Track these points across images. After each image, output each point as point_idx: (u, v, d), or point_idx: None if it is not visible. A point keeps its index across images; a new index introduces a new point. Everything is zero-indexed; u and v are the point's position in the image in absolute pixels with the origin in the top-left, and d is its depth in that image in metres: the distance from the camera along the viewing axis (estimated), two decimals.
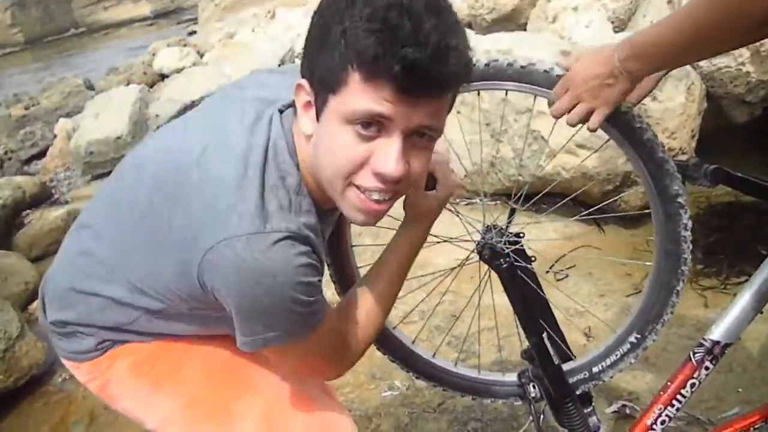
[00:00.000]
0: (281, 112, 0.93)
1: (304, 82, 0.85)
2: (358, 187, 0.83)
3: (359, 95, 0.77)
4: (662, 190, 1.06)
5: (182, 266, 0.86)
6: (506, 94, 1.13)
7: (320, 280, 0.90)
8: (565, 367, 1.26)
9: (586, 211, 1.33)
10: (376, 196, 0.83)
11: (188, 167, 0.88)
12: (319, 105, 0.83)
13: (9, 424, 2.30)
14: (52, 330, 1.06)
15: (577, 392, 1.24)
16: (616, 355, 1.20)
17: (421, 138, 0.82)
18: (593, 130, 1.04)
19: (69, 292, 1.01)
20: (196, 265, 0.84)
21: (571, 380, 1.24)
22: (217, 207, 0.83)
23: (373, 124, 0.79)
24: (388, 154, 0.79)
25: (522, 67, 1.05)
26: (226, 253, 0.81)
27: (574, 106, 1.03)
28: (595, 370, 1.23)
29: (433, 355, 1.34)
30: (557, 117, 1.05)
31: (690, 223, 1.08)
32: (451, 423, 1.86)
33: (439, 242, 1.21)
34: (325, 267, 1.03)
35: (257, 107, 0.94)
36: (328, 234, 1.07)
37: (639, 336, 1.16)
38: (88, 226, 1.03)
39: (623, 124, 1.04)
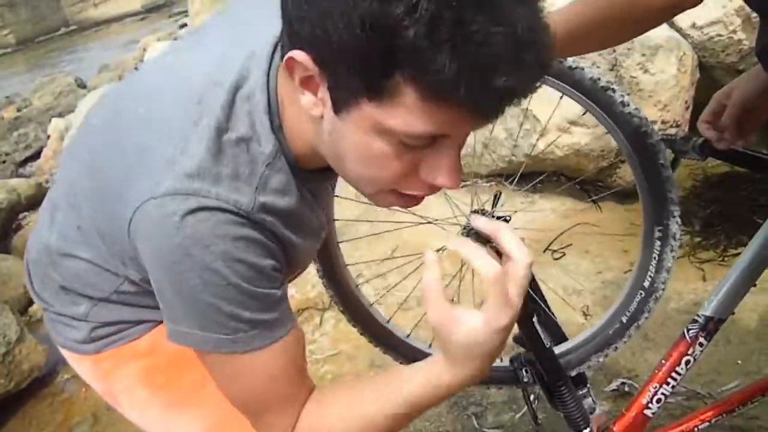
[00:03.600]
0: (275, 49, 0.72)
1: (302, 57, 0.61)
2: (397, 191, 0.71)
3: (416, 117, 0.59)
4: (632, 136, 1.06)
5: (117, 220, 0.73)
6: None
7: (279, 272, 0.73)
8: (588, 332, 1.25)
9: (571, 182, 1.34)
10: (419, 196, 0.72)
11: (137, 101, 0.77)
12: (341, 98, 0.62)
13: (12, 427, 2.30)
14: (46, 310, 0.94)
15: (572, 374, 1.23)
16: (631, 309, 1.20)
17: None
18: None
19: (46, 254, 0.89)
20: (128, 221, 0.71)
21: (594, 342, 1.24)
22: (153, 156, 0.70)
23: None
24: (448, 168, 0.66)
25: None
26: (153, 214, 0.68)
27: None
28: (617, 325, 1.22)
29: (408, 336, 1.34)
30: None
31: (668, 162, 1.08)
32: (451, 407, 1.86)
33: (423, 223, 1.20)
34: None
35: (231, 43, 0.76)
36: (321, 197, 0.86)
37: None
38: (63, 185, 0.89)
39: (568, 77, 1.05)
